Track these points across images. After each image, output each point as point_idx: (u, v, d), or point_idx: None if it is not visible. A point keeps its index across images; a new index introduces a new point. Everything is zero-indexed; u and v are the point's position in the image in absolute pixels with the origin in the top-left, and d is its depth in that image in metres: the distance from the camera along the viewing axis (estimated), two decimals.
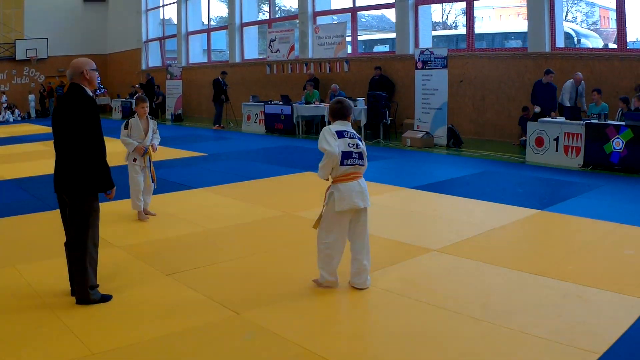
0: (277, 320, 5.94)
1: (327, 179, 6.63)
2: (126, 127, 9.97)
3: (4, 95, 35.67)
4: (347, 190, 6.49)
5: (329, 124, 6.80)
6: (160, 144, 10.47)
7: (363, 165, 6.67)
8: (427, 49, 18.97)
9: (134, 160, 10.03)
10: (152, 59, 37.15)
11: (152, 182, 10.28)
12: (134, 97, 10.44)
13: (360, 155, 6.59)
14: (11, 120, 34.98)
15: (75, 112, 6.19)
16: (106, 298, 6.49)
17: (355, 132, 6.71)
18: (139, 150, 10.02)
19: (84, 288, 6.36)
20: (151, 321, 6.00)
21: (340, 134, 6.49)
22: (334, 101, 6.81)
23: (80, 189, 6.29)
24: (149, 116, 10.24)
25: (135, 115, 10.11)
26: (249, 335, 5.66)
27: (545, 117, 15.61)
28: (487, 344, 5.37)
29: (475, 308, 6.11)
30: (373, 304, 6.52)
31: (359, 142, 6.62)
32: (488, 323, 5.75)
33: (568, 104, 15.54)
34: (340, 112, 6.69)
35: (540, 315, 5.91)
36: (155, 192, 10.46)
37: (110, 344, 5.49)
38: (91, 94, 6.39)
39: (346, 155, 6.45)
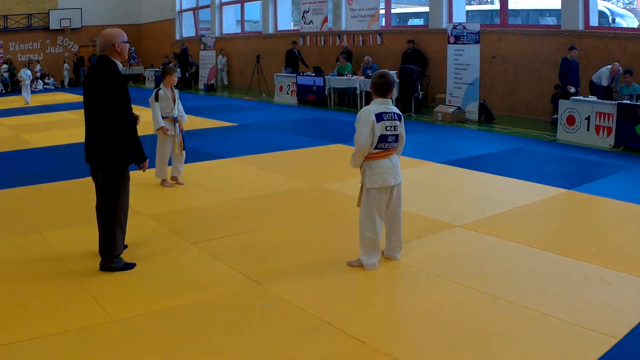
0: (298, 292, 6.01)
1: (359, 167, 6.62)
2: (157, 99, 10.06)
3: (38, 65, 35.80)
4: (378, 167, 6.47)
5: (367, 100, 6.68)
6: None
7: (397, 147, 6.64)
8: (459, 23, 18.81)
9: (166, 130, 10.14)
10: (186, 29, 37.05)
11: (182, 150, 10.42)
12: (163, 68, 10.53)
13: (396, 138, 6.54)
14: (41, 87, 35.11)
15: (104, 87, 6.26)
16: (129, 266, 6.60)
17: (396, 111, 6.57)
18: (169, 120, 10.15)
19: (109, 255, 6.48)
20: (172, 290, 6.10)
21: (379, 117, 6.37)
22: (377, 74, 6.61)
23: (111, 162, 6.41)
24: (173, 86, 10.35)
25: (162, 86, 10.20)
26: (267, 305, 5.72)
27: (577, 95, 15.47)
28: (504, 323, 5.39)
29: (496, 286, 6.12)
30: (395, 279, 6.59)
31: (398, 123, 6.52)
32: (507, 302, 5.75)
33: (604, 84, 15.33)
34: (382, 87, 6.51)
35: (561, 296, 5.90)
36: (184, 161, 10.52)
37: (131, 311, 5.60)
38: (121, 66, 6.46)
39: (382, 138, 6.40)
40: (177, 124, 10.26)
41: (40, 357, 4.77)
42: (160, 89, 10.15)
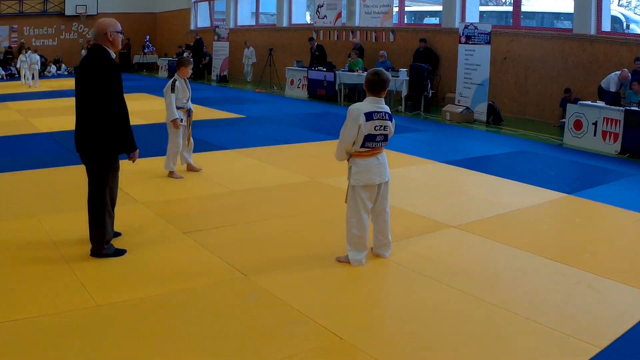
0: (283, 285, 6.03)
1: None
2: (173, 90, 10.08)
3: (36, 55, 34.63)
4: (365, 165, 6.47)
5: (364, 95, 6.65)
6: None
7: (384, 145, 6.62)
8: (471, 23, 18.76)
9: (181, 120, 10.20)
10: (201, 19, 37.10)
11: (189, 141, 10.51)
12: (178, 59, 10.58)
13: (384, 137, 6.51)
14: (54, 73, 35.20)
15: (95, 75, 6.26)
16: (120, 252, 6.64)
17: (387, 111, 6.52)
18: (184, 111, 10.26)
19: (99, 241, 6.52)
20: (159, 277, 6.14)
21: (369, 116, 6.34)
22: (371, 72, 6.55)
23: (101, 151, 6.41)
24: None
25: (177, 76, 10.22)
26: (250, 297, 5.74)
27: None
28: (486, 325, 5.38)
29: (483, 288, 6.11)
30: (383, 277, 6.59)
31: (388, 124, 6.49)
32: (493, 305, 5.74)
33: (612, 90, 15.24)
34: (376, 86, 6.45)
35: (548, 302, 5.88)
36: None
37: (116, 297, 5.64)
38: (114, 55, 6.44)
39: (369, 138, 6.38)
40: (190, 116, 10.36)
41: (21, 339, 4.82)
42: (176, 80, 10.17)
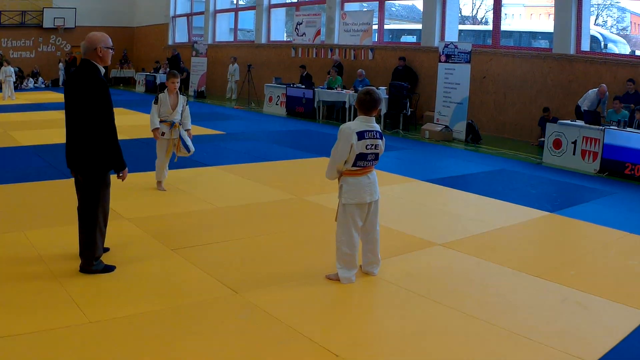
0: (274, 302, 6.02)
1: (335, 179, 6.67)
2: (155, 102, 10.16)
3: (9, 67, 33.52)
4: (356, 184, 6.49)
5: (356, 115, 6.65)
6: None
7: (375, 164, 6.65)
8: (451, 42, 18.91)
9: (162, 134, 10.21)
10: (179, 34, 37.08)
11: (176, 153, 10.50)
12: (166, 72, 10.61)
13: (375, 156, 6.54)
14: (32, 86, 35.01)
15: (85, 93, 6.24)
16: (109, 268, 6.59)
17: (378, 129, 6.55)
18: (167, 124, 10.25)
19: (89, 257, 6.47)
20: (150, 294, 6.11)
21: (361, 135, 6.35)
22: (362, 91, 6.56)
23: (91, 167, 6.39)
24: (178, 92, 10.41)
25: (165, 91, 10.29)
26: (243, 314, 5.74)
27: None
28: (478, 342, 5.41)
29: (472, 305, 6.15)
30: (372, 294, 6.60)
31: (379, 142, 6.53)
32: (482, 321, 5.78)
33: (586, 109, 15.39)
34: (368, 105, 6.46)
35: (536, 318, 5.93)
36: (170, 167, 10.57)
37: (108, 313, 5.60)
38: (103, 71, 6.43)
39: (360, 156, 6.40)
40: (173, 129, 10.30)
41: (15, 355, 4.78)
42: (162, 93, 10.26)
